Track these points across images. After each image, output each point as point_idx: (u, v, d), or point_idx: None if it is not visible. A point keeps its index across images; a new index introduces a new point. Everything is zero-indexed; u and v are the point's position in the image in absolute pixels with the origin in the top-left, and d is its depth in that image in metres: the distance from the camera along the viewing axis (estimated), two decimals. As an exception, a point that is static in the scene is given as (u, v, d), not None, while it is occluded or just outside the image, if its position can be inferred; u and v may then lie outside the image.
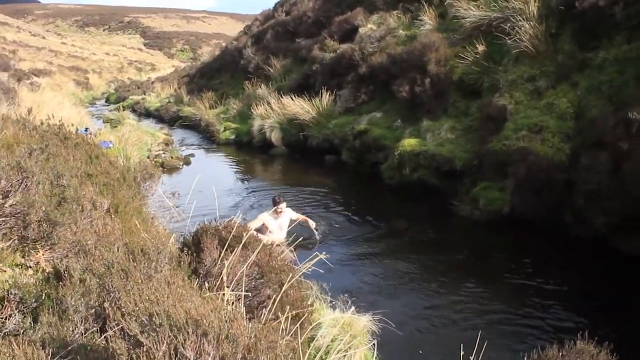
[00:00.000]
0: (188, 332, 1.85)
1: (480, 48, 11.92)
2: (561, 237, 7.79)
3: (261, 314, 3.50)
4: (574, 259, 7.33)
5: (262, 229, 7.89)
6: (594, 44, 9.64)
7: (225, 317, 1.96)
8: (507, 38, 11.05)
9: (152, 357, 1.83)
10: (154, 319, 1.90)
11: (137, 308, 1.97)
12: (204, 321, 1.88)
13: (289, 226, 8.32)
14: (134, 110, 29.75)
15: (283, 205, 8.11)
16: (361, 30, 17.38)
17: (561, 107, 9.32)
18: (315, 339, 3.87)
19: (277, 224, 8.12)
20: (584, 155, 7.84)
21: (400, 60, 13.60)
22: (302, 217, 8.58)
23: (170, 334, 1.87)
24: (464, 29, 13.05)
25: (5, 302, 2.89)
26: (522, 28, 10.74)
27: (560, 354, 2.99)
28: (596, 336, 3.33)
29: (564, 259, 7.42)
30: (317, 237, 8.22)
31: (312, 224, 8.40)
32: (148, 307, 1.96)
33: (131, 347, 1.91)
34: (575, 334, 3.37)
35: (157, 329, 1.88)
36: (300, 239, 6.04)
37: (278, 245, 7.47)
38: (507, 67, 11.12)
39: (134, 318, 1.94)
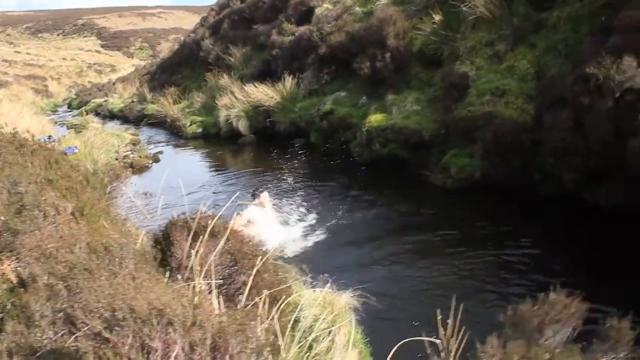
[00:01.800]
0: (153, 323, 1.82)
1: (437, 18, 11.93)
2: (532, 197, 7.90)
3: (238, 300, 3.47)
4: (546, 216, 7.45)
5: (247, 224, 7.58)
6: (548, 5, 9.73)
7: (190, 303, 1.94)
8: (462, 5, 11.09)
9: (118, 352, 1.80)
10: (116, 314, 1.87)
11: (99, 304, 1.93)
12: (168, 310, 1.85)
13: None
14: (97, 114, 29.18)
15: (265, 194, 8.04)
16: (317, 10, 17.26)
17: (521, 68, 9.40)
18: (295, 319, 3.86)
19: (262, 215, 7.88)
20: (547, 114, 7.92)
21: (358, 38, 13.56)
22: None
23: (134, 327, 1.83)
24: (419, 1, 13.05)
25: (-29, 317, 2.81)
26: (477, -6, 10.77)
27: (535, 307, 3.02)
28: (569, 287, 3.37)
29: (537, 217, 7.53)
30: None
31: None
32: (110, 302, 1.92)
33: (98, 345, 1.87)
34: (548, 286, 3.41)
35: (121, 323, 1.85)
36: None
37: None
38: (465, 34, 11.16)
39: (97, 315, 1.90)
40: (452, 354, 3.03)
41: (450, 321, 3.46)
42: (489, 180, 8.55)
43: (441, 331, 3.40)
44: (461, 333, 3.49)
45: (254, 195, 7.99)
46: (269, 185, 10.73)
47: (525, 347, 2.34)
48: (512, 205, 7.95)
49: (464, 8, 11.05)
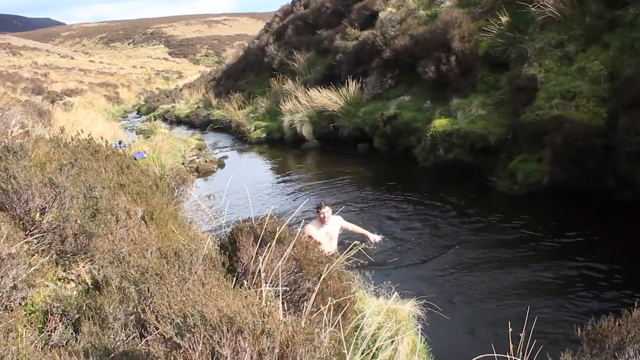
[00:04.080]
0: (223, 331, 1.83)
1: (504, 19, 11.64)
2: (606, 203, 7.57)
3: (303, 307, 3.48)
4: (621, 223, 7.11)
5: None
6: (623, 1, 9.30)
7: (259, 312, 1.94)
8: (530, 6, 10.76)
9: (189, 358, 1.82)
10: (187, 320, 1.89)
11: (171, 310, 1.97)
12: (238, 318, 1.86)
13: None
14: (164, 119, 30.00)
15: (326, 210, 7.16)
16: (381, 14, 17.17)
17: (594, 70, 9.04)
18: (360, 327, 3.83)
19: (325, 233, 7.15)
20: (623, 116, 7.57)
21: (423, 41, 13.39)
22: (358, 229, 7.65)
23: (205, 334, 1.85)
24: (485, 2, 12.81)
25: (49, 316, 2.94)
26: (546, -7, 10.43)
27: (617, 323, 2.84)
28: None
29: (611, 224, 7.20)
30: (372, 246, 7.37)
31: (372, 237, 7.52)
32: (182, 308, 1.95)
33: (169, 350, 1.90)
34: (630, 302, 3.22)
35: (192, 329, 1.87)
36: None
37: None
38: (534, 36, 10.83)
39: (169, 321, 1.94)
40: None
41: (522, 334, 3.34)
42: (558, 187, 8.25)
43: (511, 345, 3.28)
44: (532, 347, 3.36)
45: (318, 210, 7.26)
46: (332, 192, 10.74)
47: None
48: (585, 211, 7.66)
49: (532, 8, 10.72)
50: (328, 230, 7.21)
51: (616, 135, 7.58)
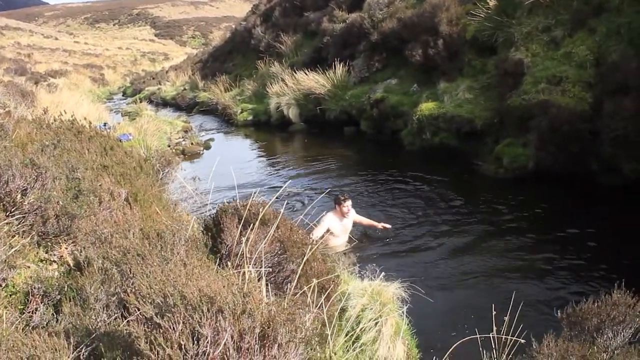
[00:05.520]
0: (203, 310, 1.83)
1: (492, 3, 11.62)
2: (590, 188, 7.65)
3: (287, 288, 3.48)
4: (604, 208, 7.19)
5: (326, 234, 6.73)
6: (610, -14, 9.31)
7: (240, 292, 1.93)
8: (518, -10, 10.75)
9: (169, 337, 1.82)
10: (168, 300, 1.88)
11: (151, 290, 1.95)
12: (219, 298, 1.86)
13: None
14: (150, 101, 29.72)
15: (349, 203, 6.89)
16: (369, -3, 17.06)
17: (580, 55, 9.06)
18: (341, 307, 3.85)
19: (343, 226, 6.97)
20: (608, 102, 7.62)
21: (411, 24, 13.35)
22: (367, 220, 7.38)
23: (185, 314, 1.85)
24: (473, -15, 12.73)
25: (30, 297, 2.92)
26: (534, -23, 10.41)
27: (596, 305, 2.88)
28: (633, 286, 3.20)
29: (595, 208, 7.27)
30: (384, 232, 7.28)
31: (380, 225, 7.27)
32: (162, 288, 1.94)
33: (149, 330, 1.89)
34: (612, 285, 3.26)
35: (173, 309, 1.86)
36: None
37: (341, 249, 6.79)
38: (521, 20, 10.82)
39: (149, 300, 1.93)
40: (506, 351, 2.94)
41: (506, 318, 3.38)
42: (543, 171, 8.32)
43: (494, 327, 3.32)
44: (508, 328, 3.40)
45: (338, 202, 6.93)
46: (318, 175, 10.73)
47: (583, 347, 2.24)
48: (570, 194, 7.72)
49: (520, -8, 10.72)
50: (346, 223, 7.02)
51: (601, 120, 7.63)
